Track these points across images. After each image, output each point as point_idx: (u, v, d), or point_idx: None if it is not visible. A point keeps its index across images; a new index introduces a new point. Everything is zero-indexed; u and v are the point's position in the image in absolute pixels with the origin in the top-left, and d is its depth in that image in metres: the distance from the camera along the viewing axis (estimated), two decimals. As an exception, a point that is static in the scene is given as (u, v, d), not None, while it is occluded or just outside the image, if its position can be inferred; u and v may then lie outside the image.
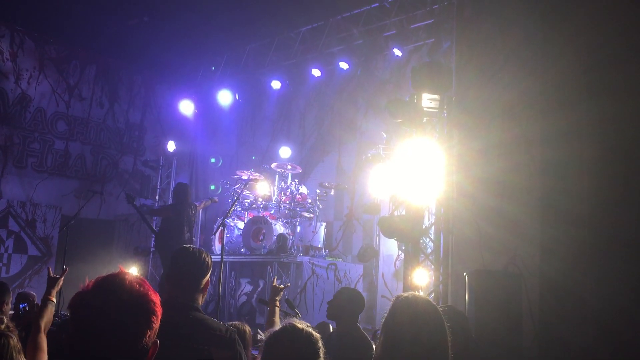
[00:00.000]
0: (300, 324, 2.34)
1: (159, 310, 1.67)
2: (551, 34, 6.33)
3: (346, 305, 4.57)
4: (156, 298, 1.68)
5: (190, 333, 2.76)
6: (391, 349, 2.36)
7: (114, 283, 1.66)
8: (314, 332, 2.33)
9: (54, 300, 3.70)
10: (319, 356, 2.29)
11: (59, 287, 3.82)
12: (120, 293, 1.63)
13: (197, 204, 10.10)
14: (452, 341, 4.33)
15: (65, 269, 3.96)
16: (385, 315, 2.46)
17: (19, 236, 10.74)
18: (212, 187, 13.00)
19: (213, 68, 13.02)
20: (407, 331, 2.35)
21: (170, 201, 11.20)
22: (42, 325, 3.42)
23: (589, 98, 5.90)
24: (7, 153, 11.13)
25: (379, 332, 2.98)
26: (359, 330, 4.58)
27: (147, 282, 1.71)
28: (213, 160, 13.40)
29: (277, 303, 4.27)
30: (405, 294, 2.51)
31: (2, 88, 11.09)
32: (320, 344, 2.32)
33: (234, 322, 2.88)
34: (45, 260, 10.92)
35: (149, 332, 1.64)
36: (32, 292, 6.20)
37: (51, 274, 3.85)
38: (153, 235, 10.04)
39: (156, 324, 1.66)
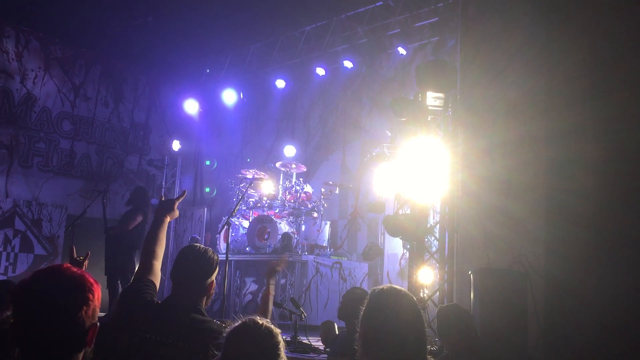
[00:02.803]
0: (260, 319, 2.36)
1: (95, 290, 1.73)
2: (556, 33, 6.31)
3: (356, 305, 4.58)
4: (93, 280, 1.74)
5: (187, 335, 2.69)
6: (367, 341, 2.41)
7: (52, 269, 1.74)
8: (273, 327, 2.35)
9: None
10: (279, 349, 2.31)
11: None
12: (57, 276, 1.71)
13: None
14: (457, 340, 4.33)
15: (88, 253, 3.64)
16: (363, 308, 2.51)
17: (25, 235, 10.79)
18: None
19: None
20: (382, 322, 2.39)
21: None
22: None
23: (594, 97, 5.88)
24: (13, 153, 11.19)
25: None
26: None
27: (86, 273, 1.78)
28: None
29: (272, 283, 3.91)
30: (381, 286, 2.56)
31: (7, 88, 11.14)
32: (280, 337, 2.34)
33: (224, 320, 2.81)
34: (51, 260, 10.96)
35: (84, 308, 1.68)
36: None
37: (75, 255, 3.55)
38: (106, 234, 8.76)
39: (92, 302, 1.71)
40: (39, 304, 1.64)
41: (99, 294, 1.74)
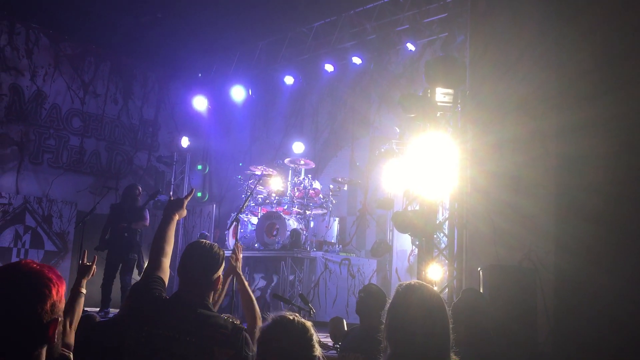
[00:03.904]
0: (291, 315, 2.37)
1: (54, 285, 1.70)
2: (566, 28, 6.27)
3: (370, 302, 4.61)
4: (52, 275, 1.71)
5: (194, 330, 2.72)
6: (392, 332, 2.46)
7: (10, 266, 1.73)
8: (305, 321, 2.36)
9: (84, 291, 3.49)
10: (313, 342, 2.32)
11: (90, 276, 3.60)
12: (13, 272, 1.69)
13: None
14: (465, 336, 4.31)
15: (95, 257, 3.73)
16: (390, 300, 2.57)
17: (35, 232, 10.88)
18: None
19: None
20: (406, 313, 2.45)
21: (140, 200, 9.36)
22: (69, 323, 3.21)
23: (604, 92, 5.84)
24: (24, 149, 11.26)
25: None
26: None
27: (50, 266, 1.76)
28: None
29: (239, 270, 3.70)
30: (408, 281, 2.62)
31: (18, 85, 11.21)
32: (313, 330, 2.35)
33: (231, 315, 2.80)
34: (61, 256, 11.05)
35: (40, 303, 1.66)
36: None
37: (84, 261, 3.62)
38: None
39: (50, 297, 1.68)
40: None
41: (59, 289, 1.71)
